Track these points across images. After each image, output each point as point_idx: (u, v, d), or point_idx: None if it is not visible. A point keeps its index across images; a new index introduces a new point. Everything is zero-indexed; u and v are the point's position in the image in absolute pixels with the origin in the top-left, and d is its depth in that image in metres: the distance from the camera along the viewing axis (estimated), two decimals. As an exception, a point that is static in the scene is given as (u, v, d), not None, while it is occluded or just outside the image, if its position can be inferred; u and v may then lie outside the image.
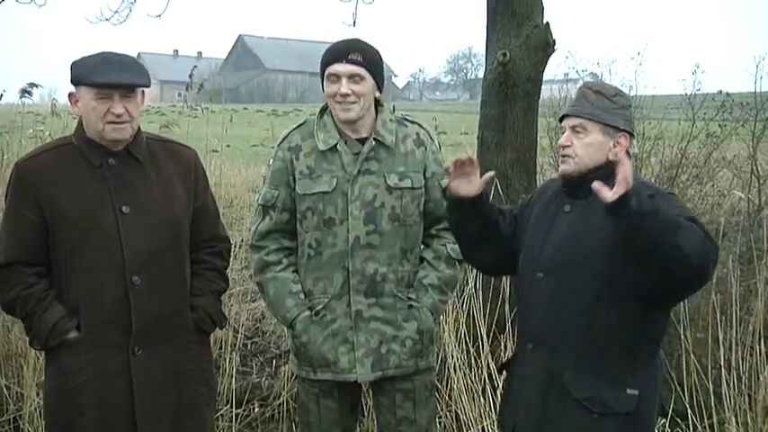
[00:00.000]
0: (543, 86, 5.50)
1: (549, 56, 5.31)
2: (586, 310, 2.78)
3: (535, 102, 5.28)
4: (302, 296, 3.31)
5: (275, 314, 3.47)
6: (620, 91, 3.01)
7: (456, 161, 2.89)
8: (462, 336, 4.72)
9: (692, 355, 4.71)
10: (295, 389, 5.04)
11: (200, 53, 75.02)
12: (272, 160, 3.38)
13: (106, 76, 2.92)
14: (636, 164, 6.19)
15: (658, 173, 6.29)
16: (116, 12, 6.39)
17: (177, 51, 78.84)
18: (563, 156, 2.90)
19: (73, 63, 3.00)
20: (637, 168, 6.13)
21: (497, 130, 5.30)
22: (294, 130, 3.39)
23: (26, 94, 6.16)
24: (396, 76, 75.96)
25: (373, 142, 3.28)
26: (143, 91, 3.06)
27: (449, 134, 14.26)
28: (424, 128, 3.43)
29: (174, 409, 3.05)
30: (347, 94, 3.20)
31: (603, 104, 2.87)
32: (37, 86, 6.23)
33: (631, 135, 2.92)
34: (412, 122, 3.43)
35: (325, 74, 3.25)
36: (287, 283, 3.31)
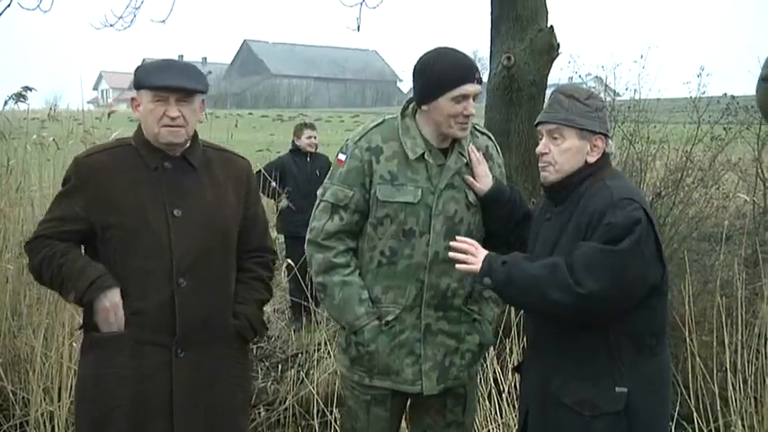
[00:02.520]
0: (548, 91, 5.50)
1: (554, 59, 5.32)
2: (569, 323, 2.84)
3: (540, 106, 5.26)
4: (370, 304, 3.21)
5: (338, 318, 3.30)
6: (593, 93, 3.06)
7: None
8: (467, 339, 4.71)
9: (697, 358, 4.71)
10: (301, 393, 5.05)
11: (205, 58, 75.11)
12: (343, 155, 3.24)
13: (162, 78, 2.98)
14: (640, 167, 6.20)
15: (663, 176, 6.29)
16: (120, 17, 6.42)
17: (182, 57, 78.89)
18: (542, 163, 2.96)
19: (137, 67, 3.07)
20: (641, 171, 6.14)
21: (502, 133, 5.28)
22: (374, 128, 3.24)
23: (21, 99, 6.16)
24: (401, 80, 75.96)
25: (463, 159, 3.21)
26: (203, 100, 3.11)
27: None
28: (492, 140, 3.38)
29: (208, 413, 3.05)
30: (470, 115, 3.13)
31: (577, 108, 2.91)
32: (31, 90, 6.23)
33: (606, 136, 2.97)
34: (482, 133, 3.36)
35: (452, 93, 3.07)
36: (356, 289, 3.19)
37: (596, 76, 7.75)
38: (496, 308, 3.40)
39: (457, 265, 2.89)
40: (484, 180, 3.21)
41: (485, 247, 3.03)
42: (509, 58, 5.12)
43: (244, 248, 3.19)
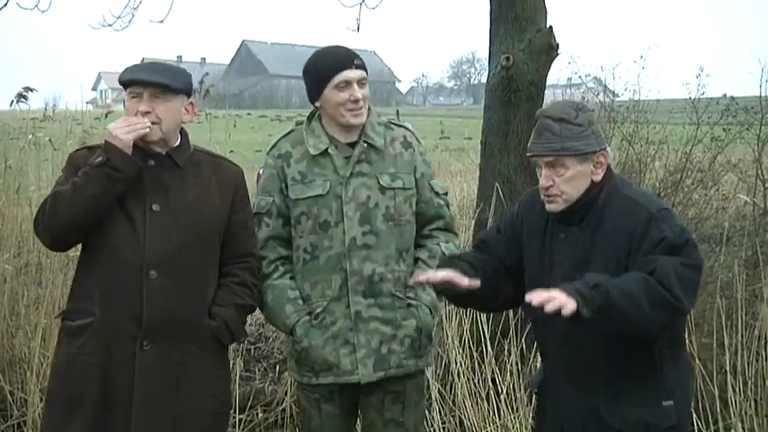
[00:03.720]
0: (547, 91, 5.49)
1: (553, 60, 5.30)
2: (605, 341, 2.70)
3: (539, 106, 5.24)
4: (300, 302, 3.31)
5: (274, 322, 3.45)
6: (579, 106, 2.87)
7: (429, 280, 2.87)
8: (466, 340, 4.71)
9: (696, 360, 4.68)
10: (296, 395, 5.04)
11: (204, 59, 75.27)
12: (261, 169, 3.41)
13: (131, 74, 3.05)
14: (639, 168, 6.18)
15: (662, 177, 6.27)
16: (118, 17, 6.36)
17: (181, 57, 78.74)
18: (548, 196, 2.79)
19: None
20: (640, 173, 6.12)
21: (501, 134, 5.29)
22: (283, 138, 3.42)
23: (22, 99, 6.15)
24: (399, 81, 76.10)
25: (364, 145, 3.31)
26: (191, 102, 3.16)
27: (453, 139, 14.29)
28: (410, 130, 3.47)
29: (173, 413, 3.04)
30: (359, 100, 3.24)
31: (572, 132, 2.73)
32: (32, 90, 6.23)
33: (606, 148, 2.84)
34: (398, 126, 3.46)
35: (333, 82, 3.23)
36: (285, 290, 3.31)
37: (595, 77, 7.74)
38: (435, 292, 3.31)
39: (563, 312, 2.45)
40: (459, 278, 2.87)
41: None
42: (508, 59, 5.11)
43: (231, 254, 3.19)
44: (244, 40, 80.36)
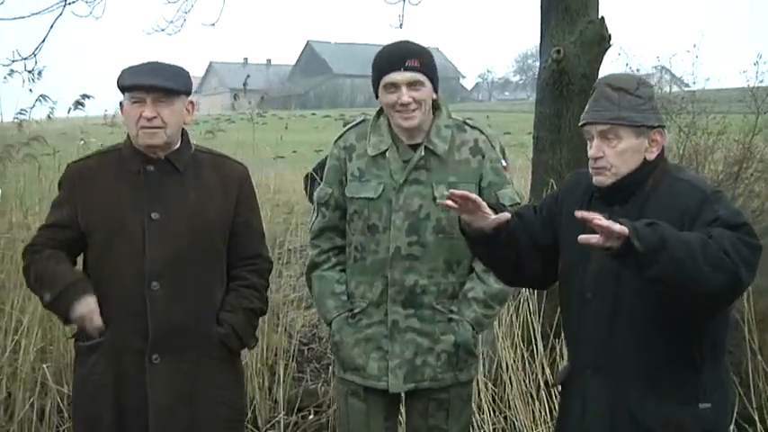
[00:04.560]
0: (600, 84, 5.38)
1: (605, 51, 5.22)
2: (643, 331, 2.58)
3: (591, 99, 5.16)
4: (345, 297, 3.28)
5: (319, 313, 3.49)
6: (642, 80, 2.74)
7: (453, 194, 2.65)
8: (517, 340, 4.64)
9: (758, 357, 4.55)
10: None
11: (270, 60, 75.94)
12: (314, 165, 3.39)
13: (133, 78, 2.98)
14: (698, 160, 6.03)
15: (722, 169, 6.11)
16: (171, 22, 6.48)
17: (247, 60, 79.88)
18: (596, 168, 2.64)
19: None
20: (699, 165, 5.97)
21: (553, 129, 5.23)
22: (350, 128, 3.34)
23: (80, 106, 6.26)
24: (464, 77, 75.80)
25: (423, 151, 3.19)
26: (191, 102, 3.09)
27: (514, 134, 14.16)
28: (485, 134, 3.30)
29: (186, 424, 3.01)
30: (408, 103, 3.10)
31: (630, 102, 2.59)
32: (89, 97, 6.33)
33: (663, 128, 2.69)
34: (473, 128, 3.28)
35: (382, 83, 3.13)
36: (331, 283, 3.29)
37: (663, 67, 7.59)
38: (483, 309, 3.24)
39: (615, 228, 2.27)
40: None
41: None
42: (559, 52, 5.05)
43: (238, 256, 3.14)
44: (308, 41, 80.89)
